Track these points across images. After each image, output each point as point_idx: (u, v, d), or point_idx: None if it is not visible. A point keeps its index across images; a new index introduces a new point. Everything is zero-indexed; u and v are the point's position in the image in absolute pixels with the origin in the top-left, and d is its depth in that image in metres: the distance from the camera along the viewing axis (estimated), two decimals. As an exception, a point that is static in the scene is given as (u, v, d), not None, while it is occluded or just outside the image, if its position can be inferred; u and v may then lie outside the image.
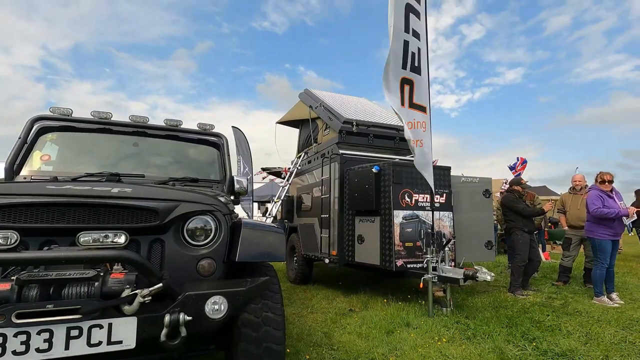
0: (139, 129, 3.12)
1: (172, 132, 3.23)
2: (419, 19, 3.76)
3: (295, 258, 6.26)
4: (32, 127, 2.84)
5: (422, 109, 3.90)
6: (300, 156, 7.08)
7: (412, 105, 3.85)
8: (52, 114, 2.92)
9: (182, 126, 3.29)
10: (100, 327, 1.38)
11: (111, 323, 1.39)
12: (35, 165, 2.77)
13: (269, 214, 7.07)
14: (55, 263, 1.39)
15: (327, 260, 5.23)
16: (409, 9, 3.64)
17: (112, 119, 3.08)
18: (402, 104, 3.77)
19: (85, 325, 1.36)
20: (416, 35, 3.73)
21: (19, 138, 2.75)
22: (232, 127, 9.31)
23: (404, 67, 3.71)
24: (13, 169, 2.61)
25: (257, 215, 14.14)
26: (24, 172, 2.68)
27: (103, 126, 3.03)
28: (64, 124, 2.95)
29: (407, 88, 3.77)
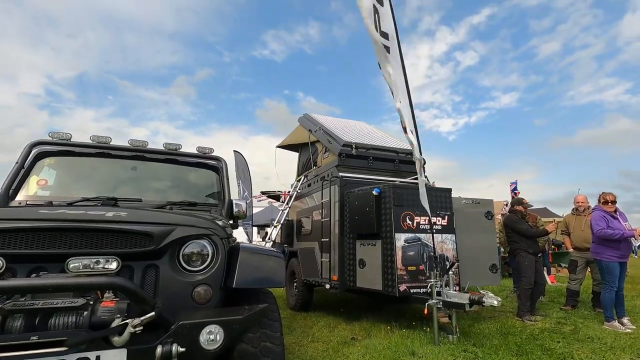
0: (138, 153, 3.11)
1: (171, 156, 3.21)
2: (389, 52, 3.84)
3: (295, 284, 6.10)
4: (30, 151, 2.82)
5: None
6: (299, 179, 7.06)
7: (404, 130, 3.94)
8: (51, 138, 2.92)
9: (181, 150, 3.28)
10: (87, 360, 1.30)
11: (99, 355, 1.31)
12: (31, 190, 2.74)
13: (269, 238, 6.97)
14: (41, 291, 1.32)
15: (327, 286, 5.09)
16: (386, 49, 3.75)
17: (111, 143, 3.07)
18: (405, 131, 3.88)
19: (71, 358, 1.28)
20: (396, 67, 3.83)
21: (16, 163, 2.72)
22: (234, 151, 9.36)
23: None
24: (8, 194, 2.57)
25: (256, 239, 13.96)
26: (20, 197, 2.64)
27: (102, 150, 3.01)
28: (62, 149, 2.93)
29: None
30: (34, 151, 2.84)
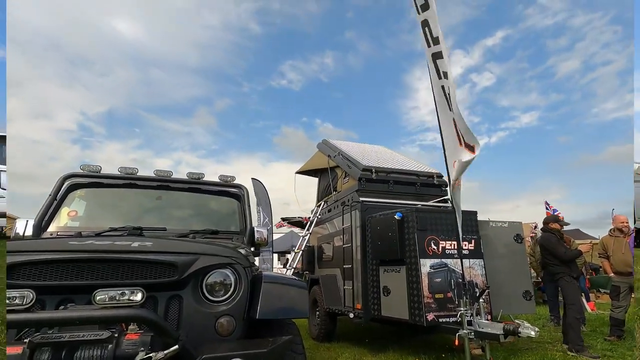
0: (163, 183, 3.19)
1: (195, 185, 3.28)
2: (443, 57, 3.71)
3: (317, 312, 5.94)
4: (63, 184, 2.95)
5: (471, 148, 3.74)
6: (320, 205, 7.04)
7: (466, 145, 3.66)
8: (82, 171, 3.04)
9: (204, 179, 3.34)
10: (111, 396, 1.27)
11: (122, 391, 1.29)
12: (62, 221, 2.83)
13: (290, 265, 6.89)
14: (69, 324, 1.33)
15: (351, 315, 4.92)
16: (435, 56, 3.65)
17: (137, 174, 3.17)
18: (460, 143, 3.63)
19: (95, 393, 1.26)
20: (445, 75, 3.69)
21: (50, 195, 2.84)
22: (252, 178, 9.49)
23: (451, 109, 3.63)
24: (41, 226, 2.66)
25: (277, 266, 13.86)
26: (52, 228, 2.73)
27: (129, 181, 3.11)
28: (93, 181, 3.05)
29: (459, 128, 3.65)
30: (66, 183, 2.96)
